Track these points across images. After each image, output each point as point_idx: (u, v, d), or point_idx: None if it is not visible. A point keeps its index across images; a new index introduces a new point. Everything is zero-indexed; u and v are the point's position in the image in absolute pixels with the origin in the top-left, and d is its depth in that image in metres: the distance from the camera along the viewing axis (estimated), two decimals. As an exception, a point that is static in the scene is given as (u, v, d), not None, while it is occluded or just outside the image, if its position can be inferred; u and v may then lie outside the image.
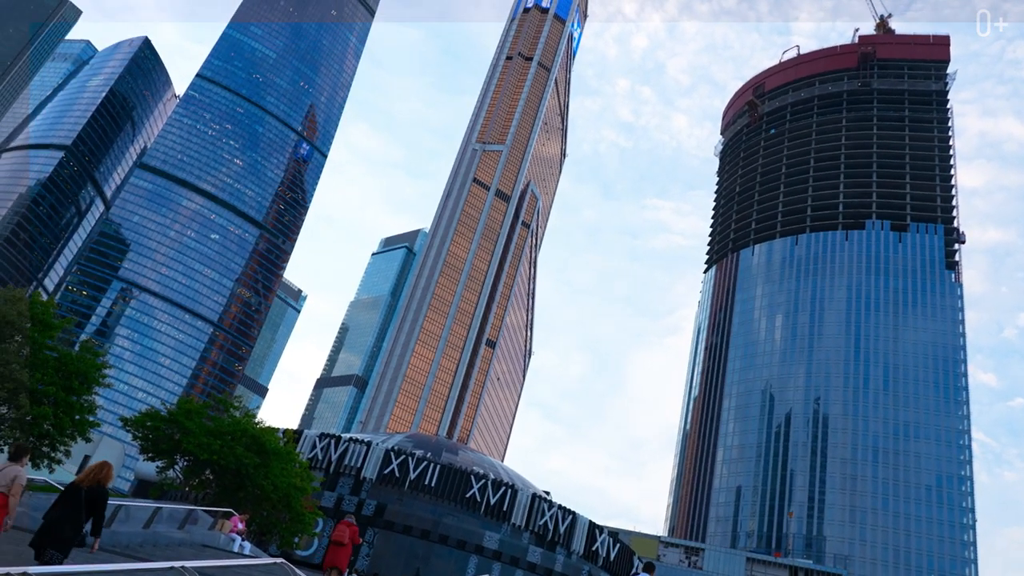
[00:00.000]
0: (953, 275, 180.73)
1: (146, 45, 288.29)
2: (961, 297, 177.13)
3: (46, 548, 12.59)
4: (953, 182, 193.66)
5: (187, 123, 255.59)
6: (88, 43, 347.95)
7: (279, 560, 15.46)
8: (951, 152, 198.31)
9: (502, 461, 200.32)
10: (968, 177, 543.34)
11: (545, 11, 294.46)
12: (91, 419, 39.11)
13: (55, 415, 35.62)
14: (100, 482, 13.25)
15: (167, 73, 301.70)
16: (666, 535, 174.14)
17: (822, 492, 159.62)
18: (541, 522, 77.96)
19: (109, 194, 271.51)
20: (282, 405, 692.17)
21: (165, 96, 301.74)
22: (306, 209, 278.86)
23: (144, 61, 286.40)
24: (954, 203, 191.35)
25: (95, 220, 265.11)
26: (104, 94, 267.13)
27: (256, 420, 49.85)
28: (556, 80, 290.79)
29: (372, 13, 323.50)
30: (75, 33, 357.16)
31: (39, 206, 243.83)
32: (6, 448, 36.26)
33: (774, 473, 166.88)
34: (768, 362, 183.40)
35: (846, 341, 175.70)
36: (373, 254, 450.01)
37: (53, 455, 37.86)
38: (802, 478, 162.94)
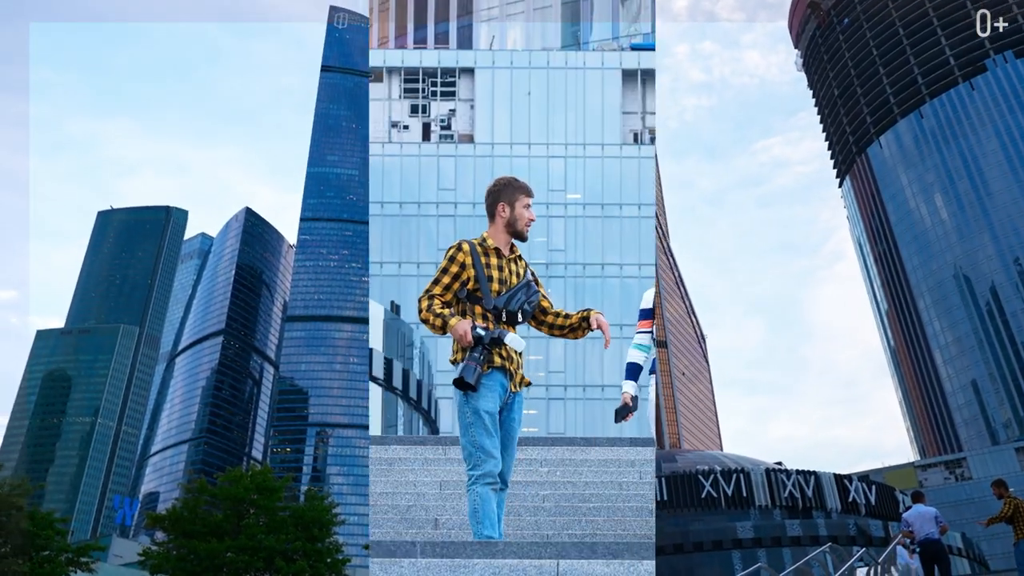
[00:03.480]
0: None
1: (250, 214, 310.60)
2: None
3: None
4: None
5: (310, 265, 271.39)
6: (203, 234, 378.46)
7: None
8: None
9: (721, 451, 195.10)
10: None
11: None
12: (340, 557, 41.50)
13: (310, 565, 38.12)
14: None
15: (276, 229, 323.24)
16: (919, 459, 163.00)
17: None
18: (785, 494, 75.21)
19: (272, 355, 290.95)
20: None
21: (282, 250, 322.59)
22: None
23: (253, 228, 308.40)
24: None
25: (271, 382, 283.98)
26: (233, 273, 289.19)
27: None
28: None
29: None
30: (190, 230, 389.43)
31: (221, 391, 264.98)
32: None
33: (1004, 353, 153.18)
34: (946, 245, 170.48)
35: (1021, 189, 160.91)
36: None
37: (322, 602, 40.36)
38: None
